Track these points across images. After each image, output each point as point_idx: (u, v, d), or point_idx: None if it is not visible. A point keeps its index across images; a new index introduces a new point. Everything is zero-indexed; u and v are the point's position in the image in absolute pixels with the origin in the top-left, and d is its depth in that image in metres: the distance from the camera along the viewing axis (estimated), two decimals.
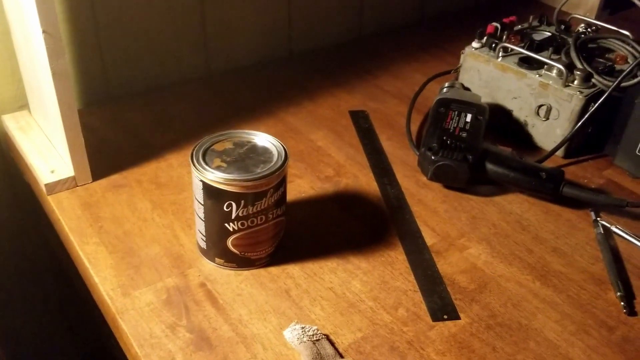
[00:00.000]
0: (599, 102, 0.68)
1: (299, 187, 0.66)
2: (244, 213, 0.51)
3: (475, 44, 0.79)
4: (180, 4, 0.81)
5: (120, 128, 0.75)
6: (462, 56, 0.81)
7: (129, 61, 0.81)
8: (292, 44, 0.96)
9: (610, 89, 0.68)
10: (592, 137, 0.73)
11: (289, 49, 0.96)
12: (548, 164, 0.72)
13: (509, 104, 0.77)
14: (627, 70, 0.68)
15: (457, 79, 0.82)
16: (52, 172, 0.63)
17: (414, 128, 0.79)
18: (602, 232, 0.60)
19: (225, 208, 0.51)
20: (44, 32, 0.54)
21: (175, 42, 0.83)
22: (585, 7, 1.15)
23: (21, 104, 0.74)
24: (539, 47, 0.78)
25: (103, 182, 0.65)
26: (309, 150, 0.73)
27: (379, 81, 0.89)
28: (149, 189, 0.64)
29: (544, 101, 0.72)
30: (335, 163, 0.71)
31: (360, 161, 0.72)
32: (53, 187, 0.61)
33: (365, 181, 0.68)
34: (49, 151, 0.67)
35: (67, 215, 0.59)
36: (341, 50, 0.99)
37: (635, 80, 0.68)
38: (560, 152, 0.73)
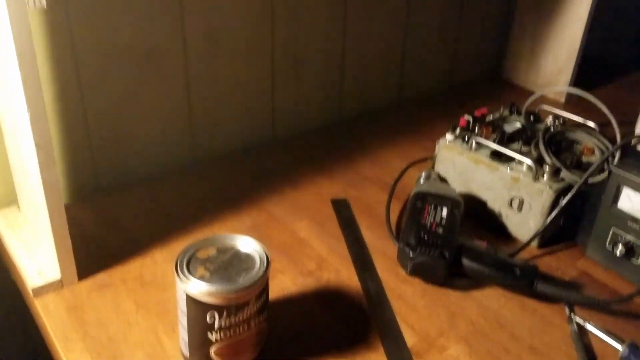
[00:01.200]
0: (568, 197, 0.72)
1: (281, 284, 0.68)
2: (227, 323, 0.52)
3: (449, 136, 0.83)
4: (167, 95, 0.84)
5: (106, 222, 0.76)
6: (437, 147, 0.84)
7: (118, 152, 0.83)
8: (276, 128, 1.00)
9: (577, 186, 0.71)
10: (564, 227, 0.76)
11: (273, 134, 1.00)
12: (523, 254, 0.74)
13: (483, 195, 0.80)
14: (592, 168, 0.71)
15: (433, 167, 0.86)
16: (39, 273, 0.64)
17: (394, 217, 0.81)
18: (576, 329, 0.62)
19: (208, 319, 0.52)
20: (36, 145, 0.56)
21: (162, 132, 0.86)
22: (556, 86, 1.20)
23: (10, 199, 0.76)
24: (510, 138, 0.82)
25: (88, 282, 0.66)
26: (291, 242, 0.75)
27: (358, 167, 0.93)
28: (133, 288, 0.66)
29: (516, 194, 0.76)
30: (317, 256, 0.73)
31: (342, 253, 0.74)
32: (39, 291, 0.62)
33: (347, 275, 0.70)
34: (36, 248, 0.68)
35: (52, 321, 0.60)
36: (322, 134, 1.02)
37: (601, 177, 0.72)
38: (534, 243, 0.76)
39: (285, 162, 0.93)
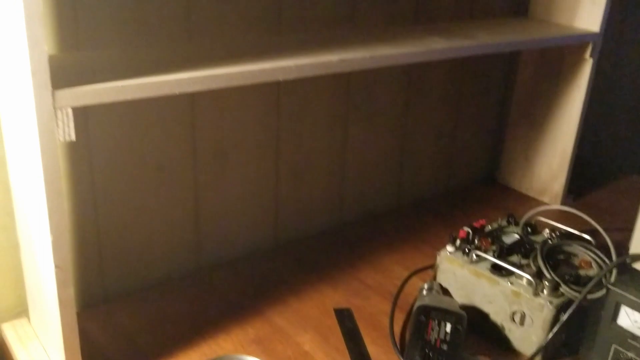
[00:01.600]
0: (568, 313, 0.73)
1: None
2: None
3: (449, 248, 0.86)
4: (175, 205, 0.88)
5: (113, 332, 0.77)
6: (438, 258, 0.87)
7: (126, 261, 0.85)
8: (278, 234, 1.02)
9: (576, 302, 0.73)
10: (567, 341, 0.77)
11: (275, 240, 1.02)
12: None
13: (485, 307, 0.81)
14: (589, 286, 0.73)
15: (435, 278, 0.87)
16: None
17: (397, 328, 0.82)
18: None
19: None
20: (55, 266, 0.58)
21: (169, 240, 0.89)
22: (550, 194, 1.25)
23: (20, 309, 0.77)
24: (509, 250, 0.85)
25: None
26: (295, 356, 0.75)
27: (360, 274, 0.94)
28: None
29: (517, 308, 0.77)
30: None
31: None
32: None
33: None
34: None
35: None
36: (324, 239, 1.05)
37: (600, 293, 0.74)
38: (538, 357, 0.76)
39: (288, 269, 0.95)
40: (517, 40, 0.96)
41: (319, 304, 0.86)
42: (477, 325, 0.81)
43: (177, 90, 0.61)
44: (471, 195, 1.27)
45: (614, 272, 0.75)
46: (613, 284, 0.70)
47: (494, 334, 0.80)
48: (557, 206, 0.91)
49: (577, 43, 1.11)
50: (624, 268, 0.74)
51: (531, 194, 1.28)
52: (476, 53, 0.90)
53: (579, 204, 1.24)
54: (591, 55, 1.13)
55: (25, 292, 0.76)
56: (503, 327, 0.79)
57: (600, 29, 1.11)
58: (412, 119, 1.15)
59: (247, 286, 0.90)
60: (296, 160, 1.00)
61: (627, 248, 0.74)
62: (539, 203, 1.24)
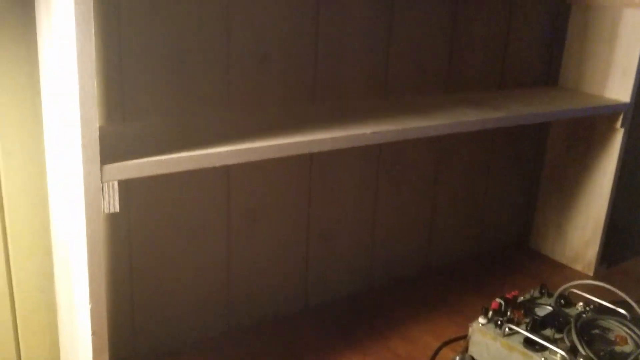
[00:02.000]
0: None
1: None
2: None
3: (481, 320, 0.85)
4: (208, 267, 0.89)
5: None
6: (470, 329, 0.85)
7: (158, 324, 0.86)
8: (308, 296, 1.02)
9: None
10: None
11: (305, 303, 1.02)
12: None
13: None
14: None
15: (467, 350, 0.86)
16: None
17: None
18: None
19: None
20: (92, 333, 0.60)
21: (201, 302, 0.90)
22: (583, 262, 1.23)
23: None
24: (542, 323, 0.83)
25: None
26: None
27: (390, 342, 0.93)
28: None
29: None
30: None
31: None
32: None
33: None
34: None
35: None
36: (353, 304, 1.05)
37: None
38: None
39: (316, 334, 0.94)
40: (547, 112, 0.97)
41: None
42: None
43: (216, 164, 0.63)
44: (502, 262, 1.26)
45: None
46: None
47: None
48: (591, 281, 0.90)
49: (608, 113, 1.12)
50: None
51: (563, 261, 1.26)
52: (506, 125, 0.91)
53: (613, 272, 1.22)
54: (622, 125, 1.13)
55: (59, 354, 0.78)
56: None
57: (631, 99, 1.12)
58: (442, 184, 1.16)
59: (275, 349, 0.89)
60: (326, 224, 1.01)
61: None
62: (572, 271, 1.22)
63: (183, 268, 0.87)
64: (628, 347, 0.80)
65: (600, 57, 1.15)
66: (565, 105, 1.04)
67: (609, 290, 0.94)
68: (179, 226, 0.85)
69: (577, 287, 0.92)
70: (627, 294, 0.90)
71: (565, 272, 1.21)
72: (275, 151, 0.68)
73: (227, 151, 0.64)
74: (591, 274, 1.21)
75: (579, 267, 1.24)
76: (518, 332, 0.81)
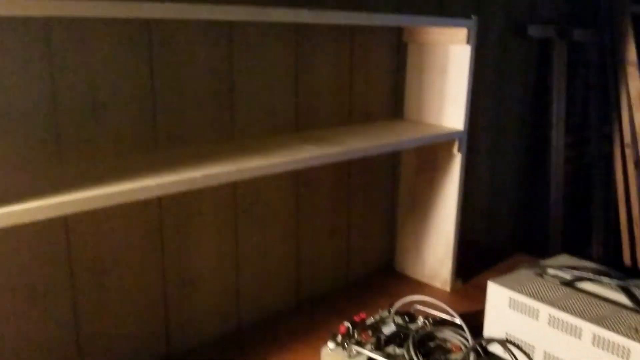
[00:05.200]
0: None
1: None
2: None
3: (330, 345, 0.89)
4: (51, 327, 0.87)
5: None
6: (321, 355, 0.89)
7: None
8: (170, 347, 1.02)
9: None
10: None
11: (167, 350, 1.02)
12: None
13: None
14: None
15: None
16: None
17: None
18: None
19: None
20: None
21: None
22: (440, 279, 1.31)
23: None
24: (387, 341, 0.89)
25: None
26: None
27: None
28: None
29: None
30: None
31: None
32: None
33: None
34: None
35: None
36: (220, 347, 1.05)
37: None
38: None
39: None
40: (382, 144, 1.05)
41: None
42: None
43: (39, 217, 0.63)
44: (369, 287, 1.32)
45: (473, 355, 0.80)
46: None
47: None
48: (420, 297, 0.97)
49: (444, 140, 1.22)
50: (485, 351, 0.79)
51: (424, 280, 1.35)
52: (342, 159, 0.98)
53: (467, 286, 1.31)
54: (459, 150, 1.24)
55: None
56: None
57: (464, 126, 1.24)
58: (304, 218, 1.21)
59: None
60: (185, 271, 1.02)
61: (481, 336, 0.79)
62: (431, 288, 1.30)
63: (24, 333, 0.84)
64: (462, 354, 0.87)
65: (435, 89, 1.26)
66: (403, 136, 1.13)
67: (460, 300, 1.01)
68: (13, 287, 0.82)
69: (411, 303, 0.99)
70: (478, 304, 0.97)
71: (425, 290, 1.29)
72: (104, 199, 0.69)
73: (50, 204, 0.64)
74: (448, 289, 1.30)
75: (437, 284, 1.32)
76: (363, 353, 0.86)
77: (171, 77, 0.94)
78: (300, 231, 1.21)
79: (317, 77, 1.16)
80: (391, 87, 1.33)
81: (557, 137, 1.78)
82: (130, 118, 0.90)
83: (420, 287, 1.31)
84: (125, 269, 0.94)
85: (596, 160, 1.91)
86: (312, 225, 1.23)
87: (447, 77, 1.24)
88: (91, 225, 0.89)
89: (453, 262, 1.29)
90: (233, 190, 1.07)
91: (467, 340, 0.89)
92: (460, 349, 0.88)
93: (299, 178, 1.18)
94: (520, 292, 0.72)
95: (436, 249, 1.31)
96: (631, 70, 1.72)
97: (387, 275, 1.39)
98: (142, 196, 0.73)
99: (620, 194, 1.83)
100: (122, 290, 0.94)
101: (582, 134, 1.91)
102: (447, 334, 0.91)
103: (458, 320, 0.93)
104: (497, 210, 1.72)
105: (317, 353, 1.02)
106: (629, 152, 1.79)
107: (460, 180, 1.26)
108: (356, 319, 0.93)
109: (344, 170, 1.27)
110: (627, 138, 1.79)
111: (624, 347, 0.62)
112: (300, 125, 1.15)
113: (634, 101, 1.72)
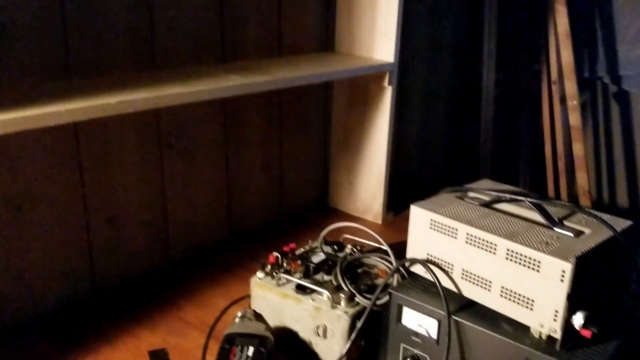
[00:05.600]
0: (362, 320, 0.78)
1: None
2: None
3: (259, 274, 0.89)
4: None
5: None
6: (250, 285, 0.89)
7: None
8: (97, 282, 0.99)
9: (368, 309, 0.78)
10: (367, 347, 0.82)
11: (93, 289, 0.99)
12: None
13: (294, 326, 0.85)
14: (376, 292, 0.79)
15: (250, 306, 0.90)
16: None
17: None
18: None
19: None
20: None
21: None
22: (372, 212, 1.33)
23: None
24: (315, 270, 0.90)
25: None
26: None
27: (181, 312, 0.94)
28: None
29: (320, 322, 0.81)
30: None
31: None
32: None
33: None
34: None
35: None
36: (148, 282, 1.04)
37: (384, 299, 0.80)
38: None
39: (105, 318, 0.92)
40: (310, 74, 1.03)
41: (133, 348, 0.85)
42: (289, 344, 0.84)
43: None
44: (303, 222, 1.32)
45: (396, 277, 0.81)
46: (394, 289, 0.77)
47: (303, 351, 0.84)
48: (348, 223, 0.98)
49: (375, 73, 1.21)
50: (408, 272, 0.81)
51: (357, 214, 1.36)
52: (270, 88, 0.95)
53: (398, 218, 1.34)
54: (389, 83, 1.24)
55: None
56: (310, 342, 0.83)
57: (395, 59, 1.23)
58: (235, 153, 1.18)
59: (57, 341, 0.86)
60: (108, 206, 0.98)
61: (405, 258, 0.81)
62: (363, 221, 1.32)
63: None
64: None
65: (366, 22, 1.24)
66: (333, 67, 1.11)
67: (393, 230, 1.03)
68: None
69: (339, 230, 0.99)
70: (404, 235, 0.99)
71: (357, 223, 1.30)
72: (8, 125, 0.65)
73: None
74: (380, 222, 1.32)
75: (369, 217, 1.34)
76: (292, 281, 0.86)
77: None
78: (231, 165, 1.18)
79: (243, 6, 1.11)
80: (321, 19, 1.30)
81: (488, 74, 1.80)
82: (36, 43, 0.83)
83: (352, 220, 1.33)
84: (44, 204, 0.89)
85: (525, 97, 1.96)
86: (242, 159, 1.20)
87: (378, 9, 1.22)
88: (4, 158, 0.83)
89: (384, 196, 1.31)
90: (156, 124, 1.03)
91: (392, 265, 0.91)
92: (387, 273, 0.90)
93: (227, 112, 1.14)
94: (441, 213, 0.73)
95: (368, 183, 1.33)
96: (559, 8, 1.74)
97: (321, 210, 1.39)
98: (51, 122, 0.69)
99: (546, 130, 1.89)
100: (42, 226, 0.90)
101: (512, 71, 1.94)
102: (374, 260, 0.93)
103: (385, 247, 0.95)
104: (429, 146, 1.75)
105: (248, 284, 1.02)
106: (555, 88, 1.84)
107: (391, 114, 1.26)
108: (285, 249, 0.93)
109: (274, 104, 1.24)
110: (554, 75, 1.84)
111: (534, 260, 0.65)
112: (227, 57, 1.11)
113: (561, 38, 1.76)
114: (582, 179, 1.76)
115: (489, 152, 1.87)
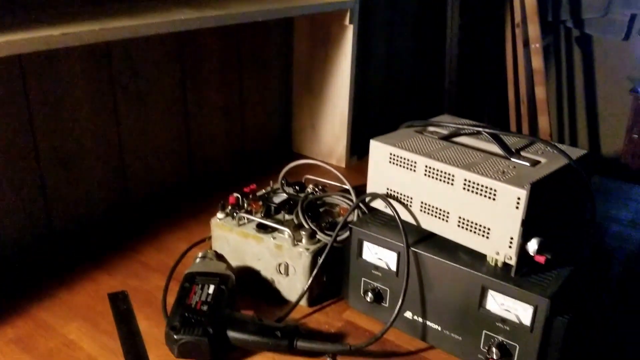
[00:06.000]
0: (323, 256, 0.79)
1: None
2: None
3: (219, 215, 0.88)
4: None
5: None
6: (211, 226, 0.88)
7: None
8: (52, 225, 0.97)
9: (329, 245, 0.78)
10: (330, 284, 0.83)
11: (49, 231, 0.96)
12: (294, 315, 0.79)
13: (255, 265, 0.84)
14: (337, 228, 0.79)
15: (211, 247, 0.89)
16: None
17: (172, 300, 0.82)
18: None
19: None
20: None
21: None
22: (336, 156, 1.33)
23: None
24: (276, 210, 0.89)
25: None
26: (58, 347, 0.72)
27: (142, 256, 0.93)
28: None
29: (281, 260, 0.81)
30: (86, 357, 0.71)
31: (115, 349, 0.73)
32: None
33: None
34: None
35: None
36: (107, 225, 1.02)
37: (345, 235, 0.80)
38: (304, 302, 0.81)
39: (62, 261, 0.90)
40: (267, 9, 0.99)
41: (92, 291, 0.84)
42: (251, 283, 0.84)
43: None
44: (265, 166, 1.31)
45: (356, 212, 0.81)
46: (354, 224, 0.77)
47: (265, 289, 0.84)
48: (308, 160, 0.97)
49: (336, 9, 1.18)
50: (368, 208, 0.81)
51: (320, 158, 1.35)
52: (226, 23, 0.91)
53: (362, 162, 1.34)
54: (351, 22, 1.21)
55: None
56: (273, 281, 0.83)
57: None
58: (193, 96, 1.15)
59: (13, 286, 0.84)
60: (62, 148, 0.95)
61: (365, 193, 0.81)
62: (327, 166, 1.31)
63: None
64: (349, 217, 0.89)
65: None
66: (291, 3, 1.07)
67: (356, 171, 1.02)
68: None
69: (303, 170, 0.99)
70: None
71: (320, 167, 1.30)
72: None
73: None
74: (343, 165, 1.32)
75: (333, 161, 1.33)
76: (252, 220, 0.86)
77: None
78: (189, 107, 1.15)
79: None
80: None
81: (452, 16, 1.78)
82: None
83: (316, 165, 1.32)
84: None
85: (490, 40, 1.95)
86: (201, 101, 1.17)
87: None
88: None
89: (348, 139, 1.30)
90: (108, 65, 0.98)
91: (351, 201, 0.91)
92: (347, 210, 0.90)
93: (183, 55, 1.10)
94: (400, 147, 0.73)
95: (332, 126, 1.31)
96: None
97: (284, 154, 1.38)
98: None
99: (510, 74, 1.90)
100: None
101: (477, 15, 1.93)
102: (336, 199, 0.92)
103: (347, 186, 0.95)
104: (393, 88, 1.74)
105: (209, 226, 1.01)
106: (518, 32, 1.83)
107: (353, 54, 1.24)
108: (246, 190, 0.92)
109: (232, 44, 1.20)
110: (518, 18, 1.83)
111: (491, 189, 0.65)
112: None
113: None
114: (544, 122, 1.78)
115: (454, 95, 1.87)
